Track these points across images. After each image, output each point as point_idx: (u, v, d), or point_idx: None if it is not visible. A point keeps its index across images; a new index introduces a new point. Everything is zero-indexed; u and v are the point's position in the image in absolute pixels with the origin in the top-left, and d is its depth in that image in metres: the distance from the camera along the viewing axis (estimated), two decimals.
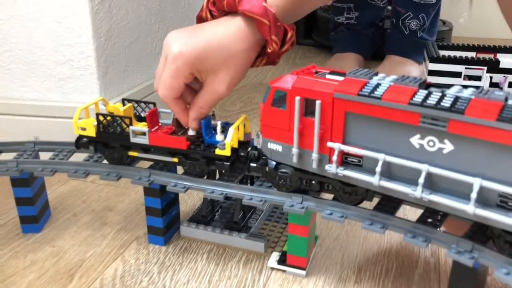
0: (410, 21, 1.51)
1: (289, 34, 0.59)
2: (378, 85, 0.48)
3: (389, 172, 0.49)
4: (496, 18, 2.13)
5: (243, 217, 0.68)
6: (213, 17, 0.61)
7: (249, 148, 0.60)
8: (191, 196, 0.80)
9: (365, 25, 1.62)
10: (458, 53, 1.15)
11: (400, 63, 1.48)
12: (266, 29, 0.56)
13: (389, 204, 0.55)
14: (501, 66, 1.06)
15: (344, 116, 0.50)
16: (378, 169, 0.48)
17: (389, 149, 0.48)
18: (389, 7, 1.64)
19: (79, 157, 0.67)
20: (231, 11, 0.58)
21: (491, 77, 1.07)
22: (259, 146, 0.59)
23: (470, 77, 1.11)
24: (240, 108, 1.24)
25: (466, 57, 1.11)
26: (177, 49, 0.55)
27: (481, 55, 1.15)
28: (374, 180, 0.49)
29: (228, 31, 0.57)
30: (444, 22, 1.86)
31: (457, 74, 1.12)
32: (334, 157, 0.51)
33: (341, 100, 0.49)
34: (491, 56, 1.14)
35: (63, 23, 0.82)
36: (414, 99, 0.45)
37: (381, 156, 0.48)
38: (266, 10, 0.55)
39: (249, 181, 0.66)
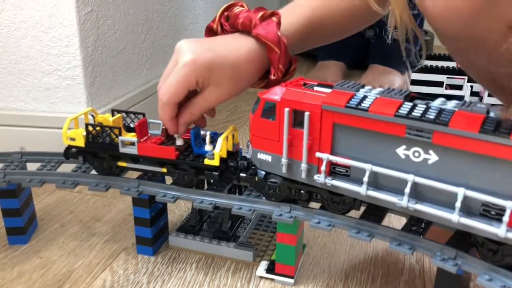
0: (393, 31, 1.53)
1: (293, 66, 0.62)
2: (364, 97, 0.50)
3: (376, 182, 0.50)
4: None
5: (231, 227, 0.68)
6: (224, 31, 0.63)
7: (239, 158, 0.60)
8: (179, 206, 0.80)
9: (353, 36, 1.64)
10: (440, 63, 1.17)
11: (383, 72, 1.51)
12: (276, 58, 0.58)
13: (375, 212, 0.56)
14: None
15: (332, 127, 0.51)
16: (366, 179, 0.49)
17: (376, 160, 0.50)
18: None
19: (67, 168, 0.67)
20: (245, 31, 0.60)
21: (471, 86, 1.10)
22: (249, 156, 0.59)
23: (451, 86, 1.13)
24: (227, 117, 1.25)
25: (448, 67, 1.14)
26: (190, 56, 0.56)
27: None
28: (362, 190, 0.50)
29: (240, 51, 0.58)
30: (426, 32, 1.89)
31: (439, 84, 1.14)
32: (323, 167, 0.52)
33: (329, 111, 0.50)
34: None
35: (50, 33, 0.82)
36: (399, 111, 0.46)
37: (368, 166, 0.49)
38: (280, 39, 0.58)
39: (237, 191, 0.66)
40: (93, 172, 0.65)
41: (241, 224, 0.71)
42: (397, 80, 1.49)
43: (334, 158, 0.52)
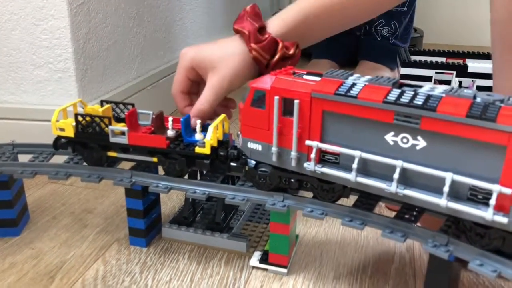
0: (382, 28, 1.55)
1: (280, 45, 0.65)
2: (353, 84, 0.50)
3: (365, 168, 0.51)
4: (465, 25, 2.20)
5: (224, 218, 0.69)
6: None
7: (229, 148, 0.61)
8: (171, 198, 0.80)
9: (342, 34, 1.64)
10: (429, 58, 1.18)
11: (373, 68, 1.52)
12: (246, 38, 0.65)
13: (367, 201, 0.57)
14: (469, 70, 1.10)
15: (321, 115, 0.51)
16: (355, 165, 0.50)
17: (365, 146, 0.50)
18: None
19: (59, 159, 0.67)
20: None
21: (460, 82, 1.11)
22: (239, 146, 0.60)
23: (440, 81, 1.14)
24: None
25: (437, 62, 1.15)
26: (183, 50, 0.67)
27: (450, 60, 1.19)
28: (351, 176, 0.51)
29: (225, 39, 0.68)
30: (415, 29, 1.91)
31: (428, 78, 1.15)
32: (312, 155, 0.52)
33: (319, 99, 0.51)
34: (460, 61, 1.18)
35: (41, 25, 0.82)
36: (388, 97, 0.47)
37: (357, 153, 0.50)
38: (250, 24, 0.65)
39: (230, 181, 0.66)
40: (85, 163, 0.65)
41: (235, 216, 0.71)
42: (386, 76, 1.50)
43: (324, 146, 0.52)
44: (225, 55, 0.65)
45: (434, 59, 1.17)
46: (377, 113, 0.48)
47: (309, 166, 0.53)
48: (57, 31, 0.82)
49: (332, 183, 0.54)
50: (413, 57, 1.20)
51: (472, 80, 1.11)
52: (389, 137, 0.48)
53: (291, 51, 0.66)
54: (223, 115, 0.62)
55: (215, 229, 0.67)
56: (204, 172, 0.66)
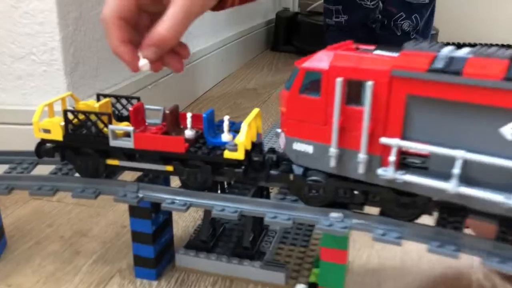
0: (402, 22, 1.44)
1: None
2: (451, 58, 0.36)
3: (468, 175, 0.37)
4: (480, 23, 2.12)
5: (253, 241, 0.55)
6: None
7: (265, 151, 0.47)
8: (182, 216, 0.67)
9: (356, 27, 1.54)
10: None
11: None
12: None
13: (453, 219, 0.43)
14: None
15: (404, 101, 0.38)
16: (456, 170, 0.36)
17: (468, 144, 0.36)
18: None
19: (44, 170, 0.54)
20: None
21: None
22: (280, 148, 0.46)
23: None
24: (227, 114, 1.12)
25: None
26: None
27: None
28: (450, 186, 0.36)
29: None
30: None
31: None
32: (391, 158, 0.38)
33: (403, 79, 0.37)
34: None
35: (21, 7, 0.70)
36: (510, 73, 0.33)
37: (459, 154, 0.36)
38: None
39: (263, 194, 0.53)
40: (78, 174, 0.52)
41: (265, 238, 0.57)
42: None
43: (408, 144, 0.38)
44: None
45: None
46: (491, 96, 0.34)
47: (386, 173, 0.39)
48: (41, 15, 0.70)
49: (414, 196, 0.40)
50: None
51: None
52: (509, 130, 0.35)
53: None
54: (257, 109, 0.48)
55: (243, 255, 0.54)
56: (231, 183, 0.52)
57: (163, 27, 0.43)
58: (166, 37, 0.43)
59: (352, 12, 1.54)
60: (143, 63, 0.44)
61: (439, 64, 0.36)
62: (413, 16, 1.43)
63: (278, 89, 1.37)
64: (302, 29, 1.88)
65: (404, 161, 0.40)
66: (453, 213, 0.44)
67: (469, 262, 0.56)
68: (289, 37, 1.94)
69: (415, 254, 0.58)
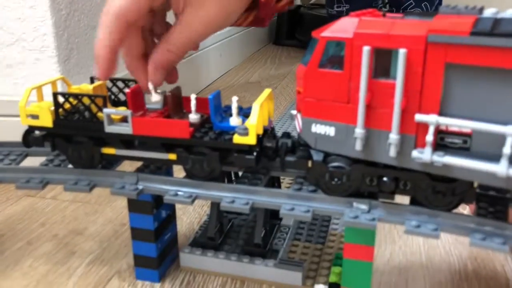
0: (411, 10, 1.39)
1: None
2: (496, 20, 0.31)
3: None
4: None
5: (265, 237, 0.50)
6: None
7: (279, 136, 0.42)
8: (186, 211, 0.62)
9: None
10: None
11: None
12: None
13: (494, 208, 0.38)
14: None
15: (443, 71, 0.33)
16: (508, 150, 0.31)
17: None
18: None
19: (35, 161, 0.49)
20: None
21: None
22: (296, 131, 0.41)
23: None
24: None
25: None
26: None
27: None
28: (500, 168, 0.31)
29: None
30: None
31: None
32: (429, 137, 0.33)
33: (442, 45, 0.32)
34: None
35: None
36: None
37: (510, 130, 0.31)
38: None
39: (275, 184, 0.48)
40: (71, 165, 0.47)
41: (278, 234, 0.52)
42: None
43: (448, 121, 0.33)
44: None
45: None
46: None
47: (423, 155, 0.34)
48: None
49: (452, 181, 0.35)
50: None
51: None
52: None
53: None
54: (268, 90, 0.43)
55: (254, 253, 0.49)
56: (238, 174, 0.47)
57: (168, 43, 0.42)
58: (170, 55, 0.42)
59: (355, 1, 1.50)
60: (157, 98, 0.43)
61: (484, 26, 0.31)
62: (423, 4, 1.38)
63: (283, 82, 1.33)
64: (305, 22, 1.86)
65: (442, 142, 0.35)
66: (493, 202, 0.39)
67: (503, 257, 0.52)
68: (292, 30, 1.91)
69: (442, 250, 0.53)
